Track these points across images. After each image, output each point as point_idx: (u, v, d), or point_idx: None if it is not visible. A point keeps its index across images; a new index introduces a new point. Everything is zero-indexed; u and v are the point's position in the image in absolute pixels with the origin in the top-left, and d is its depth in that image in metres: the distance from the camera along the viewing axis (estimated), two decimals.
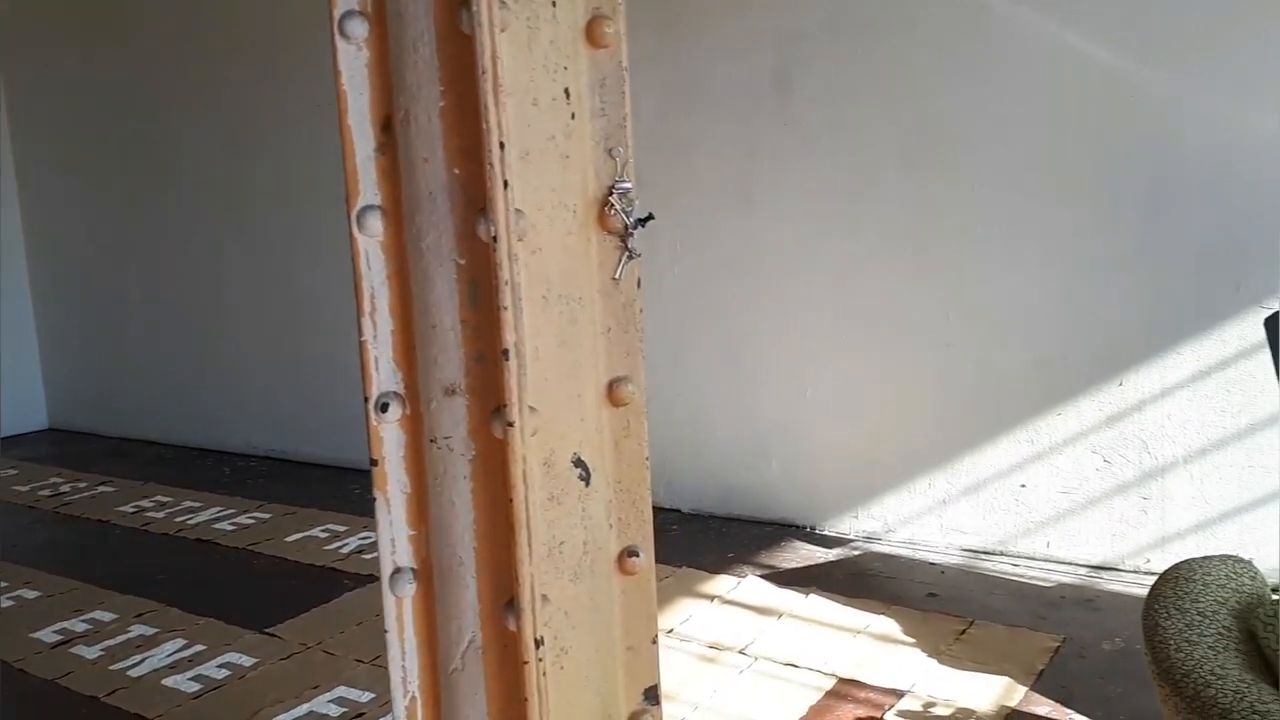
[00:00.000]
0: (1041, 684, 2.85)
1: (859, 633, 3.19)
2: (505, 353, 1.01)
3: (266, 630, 3.43)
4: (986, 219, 3.76)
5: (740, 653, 3.08)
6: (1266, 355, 3.17)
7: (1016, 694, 2.80)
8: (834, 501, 4.15)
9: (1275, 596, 1.51)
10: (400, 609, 1.11)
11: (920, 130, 3.83)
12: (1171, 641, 1.43)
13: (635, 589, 1.14)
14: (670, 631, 3.21)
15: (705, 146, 4.24)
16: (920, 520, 3.98)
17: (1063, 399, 3.69)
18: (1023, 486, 3.77)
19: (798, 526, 4.20)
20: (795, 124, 4.03)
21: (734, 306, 4.27)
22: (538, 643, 1.03)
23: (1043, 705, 2.76)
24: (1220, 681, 1.31)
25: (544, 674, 1.03)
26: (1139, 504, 3.59)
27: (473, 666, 1.09)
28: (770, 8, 4.03)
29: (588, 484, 1.09)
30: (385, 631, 1.12)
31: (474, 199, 1.03)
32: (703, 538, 4.13)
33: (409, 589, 1.10)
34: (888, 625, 3.23)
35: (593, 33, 1.09)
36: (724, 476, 4.37)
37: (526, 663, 1.02)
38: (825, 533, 4.15)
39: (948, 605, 3.41)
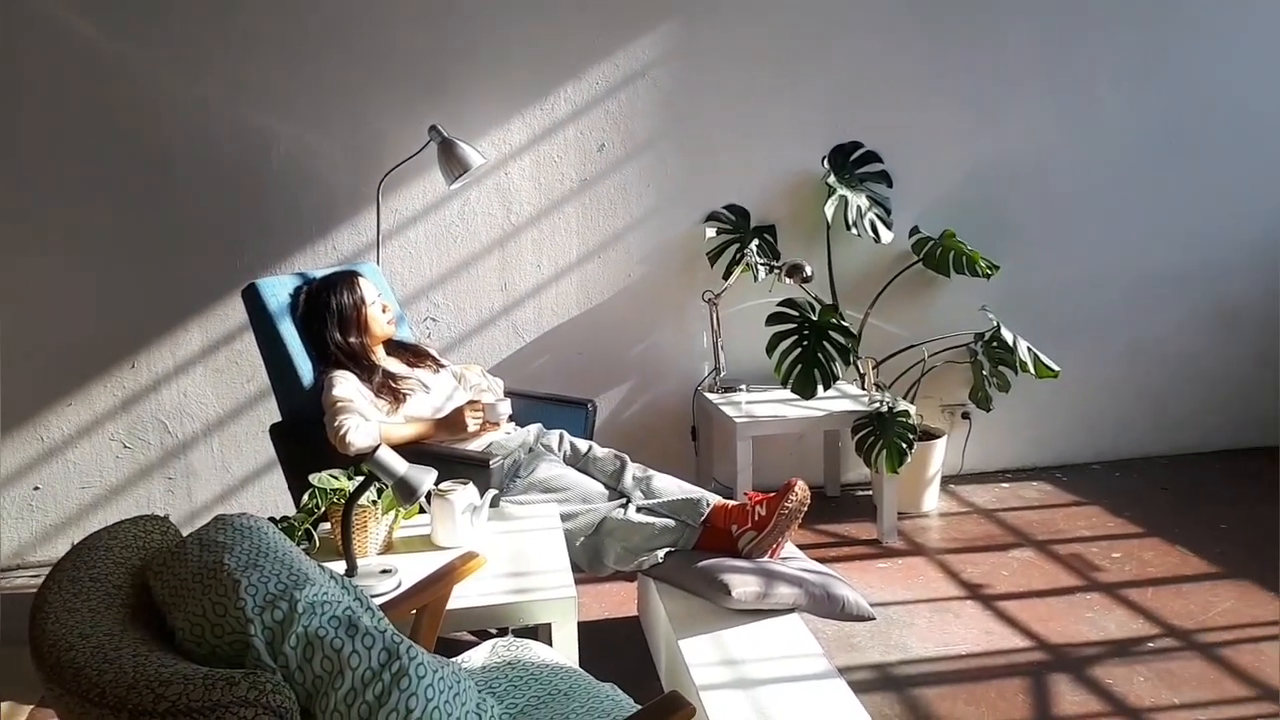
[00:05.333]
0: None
1: None
2: None
3: None
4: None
5: None
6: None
7: (21, 714, 2.51)
8: None
9: (175, 549, 1.52)
10: None
11: None
12: (51, 614, 1.34)
13: None
14: None
15: None
16: None
17: (72, 389, 3.45)
18: (37, 489, 3.43)
19: None
20: None
21: None
22: None
23: (49, 716, 2.52)
24: (84, 641, 1.26)
25: None
26: (165, 484, 3.56)
27: None
28: None
29: None
30: None
31: None
32: None
33: None
34: None
35: None
36: None
37: None
38: None
39: None
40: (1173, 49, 4.09)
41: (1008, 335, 3.69)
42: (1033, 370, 3.64)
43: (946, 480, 4.14)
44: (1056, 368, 3.65)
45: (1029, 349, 3.68)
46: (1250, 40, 4.14)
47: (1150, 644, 2.80)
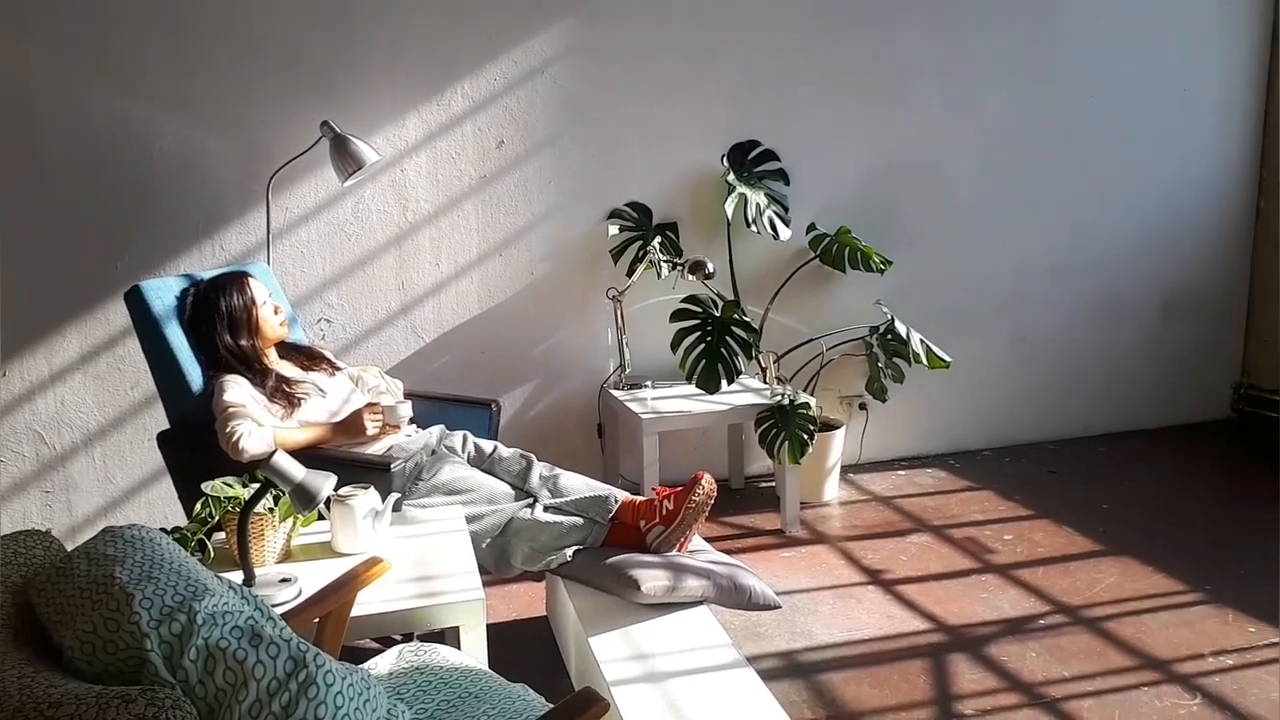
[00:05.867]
0: None
1: None
2: None
3: None
4: None
5: None
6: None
7: None
8: None
9: (61, 564, 1.43)
10: None
11: None
12: None
13: None
14: None
15: None
16: None
17: None
18: None
19: None
20: None
21: None
22: None
23: None
24: None
25: None
26: (42, 499, 3.37)
27: None
28: None
29: None
30: None
31: None
32: None
33: None
34: None
35: None
36: None
37: None
38: None
39: None
40: (1060, 48, 4.28)
41: (901, 328, 3.79)
42: (925, 362, 3.76)
43: (846, 470, 4.24)
44: (948, 359, 3.78)
45: (922, 341, 3.80)
46: (1130, 40, 4.36)
47: (1041, 621, 2.92)
